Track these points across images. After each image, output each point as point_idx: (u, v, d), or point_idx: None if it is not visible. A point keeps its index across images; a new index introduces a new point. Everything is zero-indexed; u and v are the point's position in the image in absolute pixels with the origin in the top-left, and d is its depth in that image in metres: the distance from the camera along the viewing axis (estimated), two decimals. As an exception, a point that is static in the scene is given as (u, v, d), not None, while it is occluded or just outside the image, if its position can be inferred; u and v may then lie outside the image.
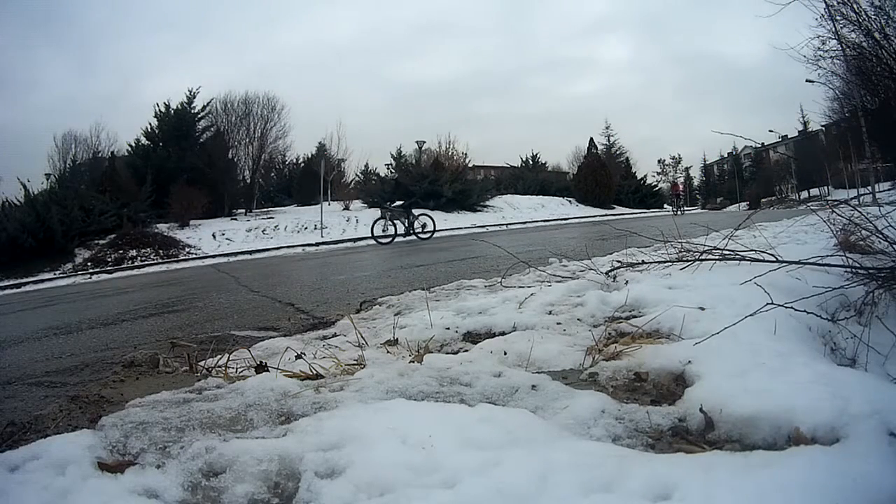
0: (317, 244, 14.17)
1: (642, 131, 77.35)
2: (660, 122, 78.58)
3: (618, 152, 40.00)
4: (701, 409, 1.14)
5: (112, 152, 21.84)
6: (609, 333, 1.80)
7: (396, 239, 11.12)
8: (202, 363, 1.90)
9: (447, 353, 1.82)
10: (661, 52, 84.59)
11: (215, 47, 71.62)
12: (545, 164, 33.17)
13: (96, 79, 58.47)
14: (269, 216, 18.72)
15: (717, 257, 2.61)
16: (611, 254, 4.27)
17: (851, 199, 5.63)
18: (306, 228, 16.44)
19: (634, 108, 77.86)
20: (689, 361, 1.37)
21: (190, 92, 20.26)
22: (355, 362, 1.74)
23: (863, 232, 2.63)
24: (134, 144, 20.15)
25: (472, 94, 79.18)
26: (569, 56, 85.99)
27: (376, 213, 17.88)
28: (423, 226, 11.71)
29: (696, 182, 56.14)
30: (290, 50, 75.54)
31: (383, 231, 11.19)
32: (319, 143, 27.10)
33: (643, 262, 2.94)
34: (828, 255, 2.28)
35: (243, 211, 20.18)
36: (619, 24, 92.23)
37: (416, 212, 11.86)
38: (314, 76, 74.80)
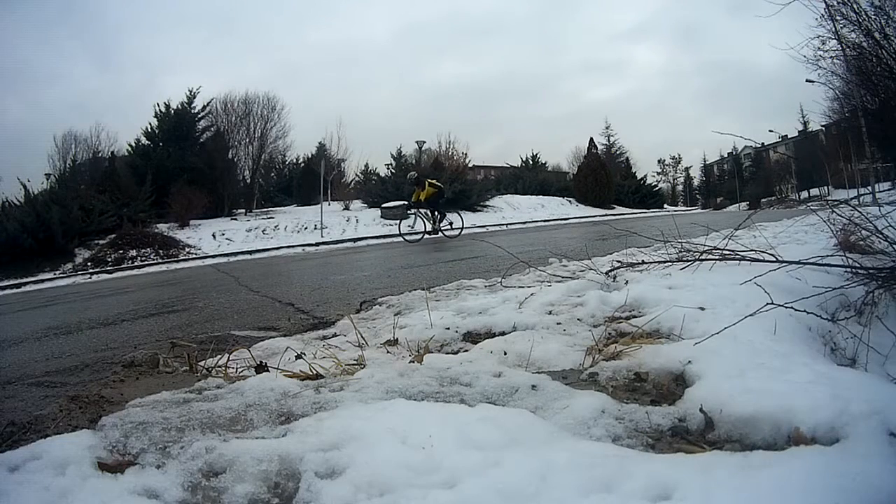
0: (317, 244, 14.16)
1: (656, 135, 77.50)
2: (674, 127, 78.31)
3: (618, 152, 40.00)
4: (701, 409, 1.14)
5: (112, 152, 21.81)
6: (609, 333, 1.80)
7: (425, 237, 10.76)
8: (202, 363, 1.90)
9: (447, 353, 1.82)
10: (685, 60, 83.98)
11: (229, 46, 71.20)
12: (545, 164, 33.14)
13: (112, 77, 58.37)
14: (269, 216, 18.71)
15: (717, 257, 2.61)
16: (611, 254, 4.27)
17: (851, 199, 5.63)
18: (306, 228, 16.42)
19: (651, 112, 77.54)
20: (689, 361, 1.37)
21: (190, 92, 20.26)
22: (355, 362, 1.74)
23: (863, 232, 2.64)
24: (134, 144, 20.12)
25: (498, 97, 78.82)
26: (595, 62, 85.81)
27: (376, 212, 17.95)
28: (451, 223, 11.20)
29: (696, 182, 56.11)
30: (300, 50, 75.55)
31: (411, 228, 10.87)
32: (319, 143, 27.12)
33: (643, 262, 2.95)
34: (828, 255, 2.28)
35: (243, 211, 20.16)
36: (649, 32, 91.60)
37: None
38: (328, 76, 74.68)
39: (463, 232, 11.27)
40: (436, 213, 10.91)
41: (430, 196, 10.76)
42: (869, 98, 13.08)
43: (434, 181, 11.26)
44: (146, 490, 0.94)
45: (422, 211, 10.81)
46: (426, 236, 10.69)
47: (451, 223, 11.20)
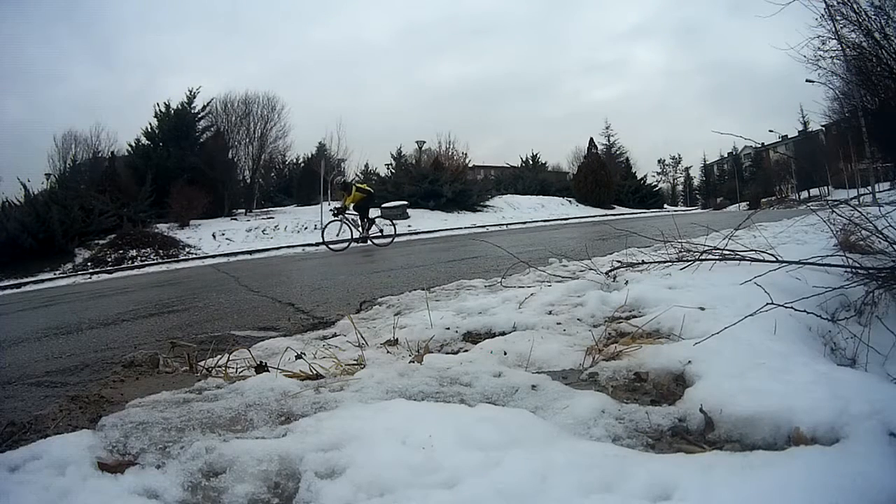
0: (317, 244, 14.13)
1: (656, 135, 77.74)
2: (674, 127, 78.43)
3: (618, 152, 40.02)
4: (701, 409, 1.14)
5: (112, 152, 21.79)
6: (609, 333, 1.80)
7: (352, 245, 10.11)
8: (202, 363, 1.90)
9: (447, 353, 1.82)
10: (685, 60, 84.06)
11: (229, 46, 71.15)
12: (545, 164, 33.16)
13: (112, 77, 58.47)
14: (269, 216, 18.69)
15: (717, 257, 2.61)
16: (611, 254, 4.27)
17: (851, 199, 5.63)
18: (306, 228, 16.42)
19: (651, 112, 77.76)
20: (689, 361, 1.37)
21: (190, 92, 20.27)
22: (355, 362, 1.74)
23: (863, 232, 2.64)
24: (134, 144, 20.14)
25: (499, 97, 79.08)
26: (596, 62, 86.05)
27: (376, 213, 17.91)
28: (381, 230, 10.51)
29: (696, 182, 56.15)
30: (300, 50, 75.62)
31: (337, 236, 10.17)
32: (319, 143, 27.11)
33: (643, 262, 2.95)
34: (828, 255, 2.28)
35: (243, 211, 20.16)
36: (649, 32, 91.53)
37: (372, 215, 10.65)
38: (328, 76, 74.88)
39: (395, 239, 10.60)
40: (365, 219, 10.29)
41: (357, 201, 10.17)
42: (869, 98, 13.10)
43: (362, 185, 10.64)
44: (146, 490, 0.94)
45: (349, 217, 10.21)
46: (353, 244, 10.10)
47: (381, 230, 10.52)
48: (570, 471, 0.90)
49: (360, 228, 10.29)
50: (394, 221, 11.16)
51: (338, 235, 10.19)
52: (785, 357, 1.35)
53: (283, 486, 0.95)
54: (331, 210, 11.39)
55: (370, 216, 10.46)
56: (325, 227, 10.39)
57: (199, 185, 17.28)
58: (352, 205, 10.20)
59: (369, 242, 10.31)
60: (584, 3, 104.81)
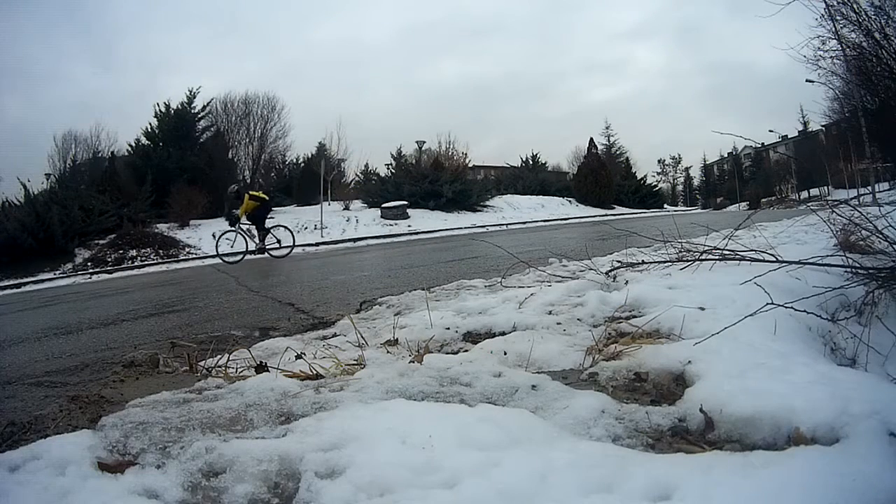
0: (317, 244, 14.17)
1: (657, 135, 77.91)
2: (675, 127, 78.55)
3: (618, 152, 40.01)
4: (701, 409, 1.14)
5: (112, 152, 21.81)
6: (609, 333, 1.80)
7: (247, 257, 9.57)
8: (202, 363, 1.90)
9: (447, 353, 1.82)
10: (686, 60, 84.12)
11: (230, 46, 71.02)
12: (545, 164, 33.14)
13: (112, 77, 58.42)
14: (269, 216, 18.68)
15: (717, 257, 2.61)
16: (611, 254, 4.27)
17: (851, 199, 5.63)
18: (306, 228, 16.40)
19: (651, 112, 77.90)
20: (689, 361, 1.37)
21: (190, 92, 20.29)
22: (355, 362, 1.74)
23: (863, 232, 2.64)
24: (134, 144, 20.16)
25: (499, 97, 79.05)
26: (596, 62, 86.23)
27: (376, 212, 17.93)
28: (279, 241, 9.86)
29: (696, 182, 56.17)
30: (300, 50, 75.64)
31: (232, 248, 9.67)
32: (319, 143, 27.09)
33: (643, 262, 2.95)
34: (828, 255, 2.28)
35: (243, 211, 20.14)
36: (650, 32, 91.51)
37: (269, 224, 9.97)
38: (329, 75, 74.79)
39: (294, 251, 10.02)
40: (260, 230, 9.70)
41: (251, 211, 9.58)
42: (869, 98, 13.12)
43: (256, 193, 9.98)
44: (146, 490, 0.94)
45: (243, 228, 9.64)
46: (248, 256, 9.53)
47: (278, 241, 9.83)
48: (570, 471, 0.91)
49: (255, 239, 9.75)
50: (293, 231, 10.31)
51: (232, 247, 9.68)
52: (785, 357, 1.35)
53: (283, 486, 0.95)
54: (224, 219, 10.63)
55: (266, 226, 9.88)
56: (218, 238, 9.89)
57: (199, 186, 17.28)
58: (245, 214, 9.63)
59: (266, 254, 9.78)
60: (584, 2, 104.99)
